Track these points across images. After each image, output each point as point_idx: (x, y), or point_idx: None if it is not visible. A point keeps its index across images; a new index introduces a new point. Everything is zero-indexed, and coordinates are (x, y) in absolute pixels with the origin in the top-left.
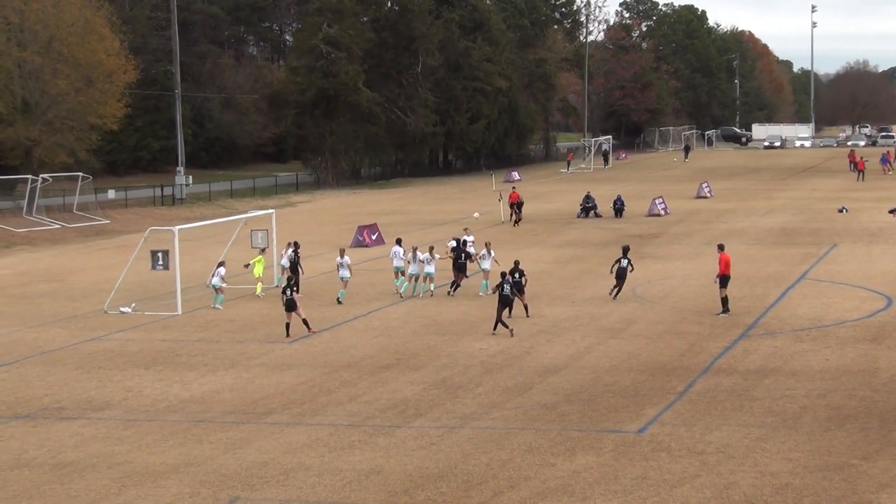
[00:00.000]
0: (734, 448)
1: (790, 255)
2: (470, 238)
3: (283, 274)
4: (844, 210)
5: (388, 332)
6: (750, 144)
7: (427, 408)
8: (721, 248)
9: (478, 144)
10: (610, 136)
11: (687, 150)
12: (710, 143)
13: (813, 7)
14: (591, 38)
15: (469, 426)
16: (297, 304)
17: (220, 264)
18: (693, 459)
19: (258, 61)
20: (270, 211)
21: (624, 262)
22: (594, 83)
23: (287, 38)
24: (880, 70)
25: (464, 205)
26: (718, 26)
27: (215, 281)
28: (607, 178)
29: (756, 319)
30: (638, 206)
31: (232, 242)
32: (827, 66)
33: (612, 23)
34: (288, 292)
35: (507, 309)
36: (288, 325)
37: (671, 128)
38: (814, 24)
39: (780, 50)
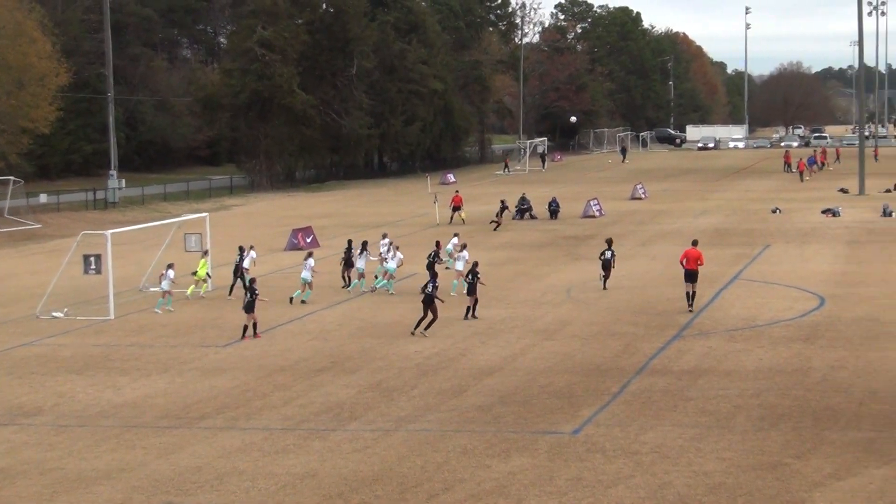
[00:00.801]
0: (668, 448)
1: (724, 255)
2: (454, 240)
3: (246, 274)
4: (777, 211)
5: (323, 335)
6: (684, 146)
7: (362, 411)
8: (694, 243)
9: (413, 147)
10: (545, 138)
11: (624, 151)
12: (644, 144)
13: (747, 9)
14: (526, 40)
15: (404, 429)
16: (255, 307)
17: (170, 266)
18: (627, 460)
19: (192, 64)
20: (204, 214)
21: (608, 254)
22: (529, 85)
23: (221, 40)
24: (813, 71)
25: (399, 207)
26: (653, 28)
27: (164, 284)
28: (543, 180)
29: (690, 320)
30: (573, 207)
31: (166, 246)
32: (761, 68)
33: (547, 25)
34: (248, 295)
35: (429, 309)
36: (246, 328)
37: (606, 129)
38: (748, 26)
39: (714, 51)
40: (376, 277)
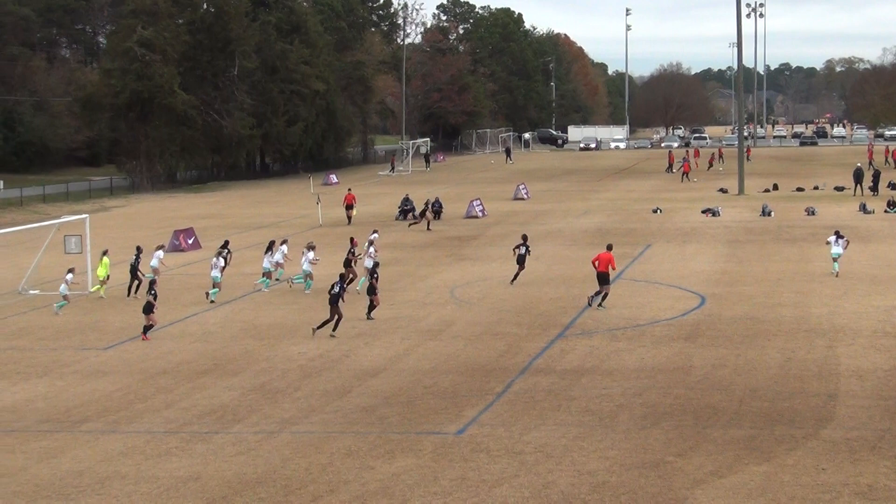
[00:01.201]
0: (552, 447)
1: None
2: (374, 235)
3: (155, 275)
4: (658, 211)
5: (206, 338)
6: (566, 146)
7: (245, 413)
8: (609, 247)
9: (295, 147)
10: (428, 139)
11: (508, 151)
12: (526, 145)
13: (627, 10)
14: (408, 40)
15: (288, 431)
16: (153, 309)
17: (70, 271)
18: (512, 459)
19: (71, 64)
20: (84, 216)
21: (522, 250)
22: (412, 86)
23: (101, 40)
24: (693, 72)
25: (281, 208)
26: (535, 29)
27: (62, 288)
28: (426, 181)
29: (573, 319)
30: (456, 208)
31: (45, 248)
32: (641, 69)
33: (429, 25)
34: (150, 295)
35: (335, 310)
36: (146, 328)
37: (488, 130)
38: (628, 28)
39: (595, 53)
40: (265, 277)
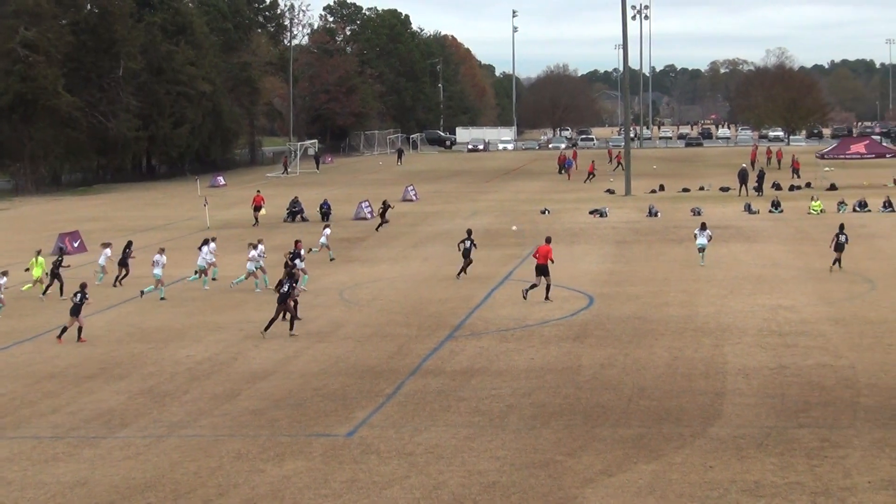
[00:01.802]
0: (443, 448)
1: (495, 256)
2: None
3: (103, 272)
4: (547, 212)
5: (92, 341)
6: (454, 148)
7: (133, 417)
8: (548, 240)
9: (182, 149)
10: (316, 140)
11: (400, 153)
12: (415, 146)
13: (514, 12)
14: (295, 42)
15: (177, 434)
16: (81, 310)
17: (3, 274)
18: (402, 461)
19: None
20: None
21: (467, 244)
22: (299, 87)
23: None
24: (580, 74)
25: (169, 210)
26: (422, 31)
27: None
28: (314, 182)
29: (462, 320)
30: (345, 209)
31: None
32: (528, 70)
33: (316, 27)
34: (77, 297)
35: (283, 309)
36: (65, 329)
37: (376, 131)
38: (515, 29)
39: (482, 54)
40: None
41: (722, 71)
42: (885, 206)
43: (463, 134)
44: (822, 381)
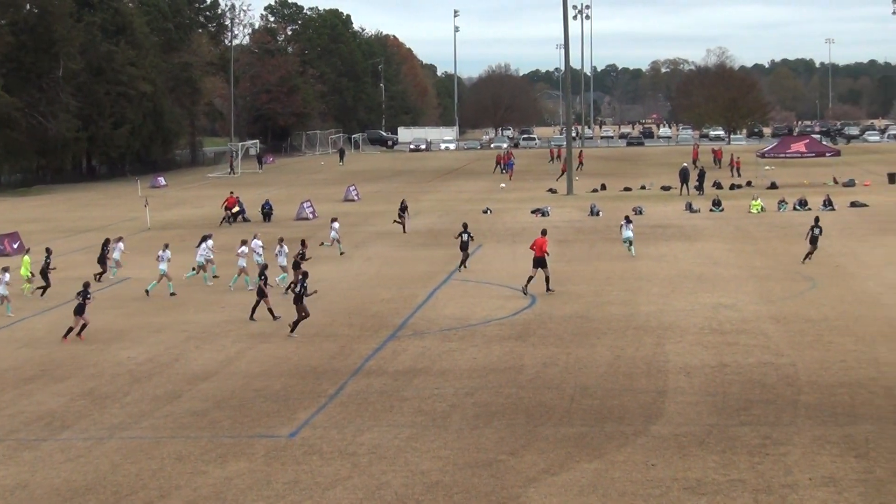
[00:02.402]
0: (385, 448)
1: (437, 256)
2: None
3: (117, 266)
4: (489, 211)
5: (32, 343)
6: (396, 147)
7: (73, 419)
8: (544, 233)
9: (122, 150)
10: (257, 140)
11: (342, 153)
12: (357, 146)
13: (455, 12)
14: (236, 41)
15: (118, 436)
16: (85, 309)
17: (5, 269)
18: (345, 461)
19: None
20: None
21: (465, 237)
22: (240, 87)
23: None
24: (521, 73)
25: (109, 211)
26: (363, 30)
27: (1, 289)
28: (256, 183)
29: (404, 320)
30: (286, 209)
31: None
32: (470, 70)
33: (257, 27)
34: (80, 296)
35: (300, 309)
36: (70, 329)
37: (318, 132)
38: (456, 29)
39: (424, 54)
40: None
41: (663, 70)
42: (825, 205)
43: (405, 134)
44: (763, 379)
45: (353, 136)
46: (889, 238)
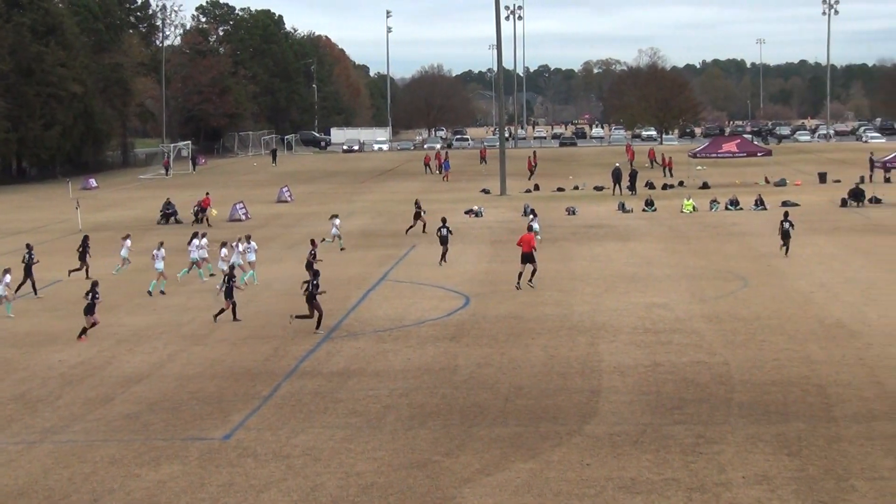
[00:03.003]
0: (320, 450)
1: (371, 257)
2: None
3: (125, 263)
4: (423, 212)
5: None
6: (329, 148)
7: (5, 423)
8: (530, 228)
9: (53, 151)
10: (189, 142)
11: (274, 154)
12: (289, 147)
13: (388, 12)
14: (167, 42)
15: (50, 440)
16: (95, 309)
17: (6, 271)
18: (279, 463)
19: None
20: None
21: (444, 231)
22: (172, 88)
23: None
24: (454, 74)
25: (40, 213)
26: (296, 31)
27: (0, 289)
28: (188, 184)
29: (339, 322)
30: (219, 211)
31: None
32: (403, 71)
33: (188, 27)
34: (90, 296)
35: (313, 307)
36: (86, 329)
37: (251, 133)
38: (389, 30)
39: (357, 55)
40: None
41: (595, 71)
42: (756, 205)
43: (338, 135)
44: (696, 378)
45: (286, 137)
46: (820, 237)
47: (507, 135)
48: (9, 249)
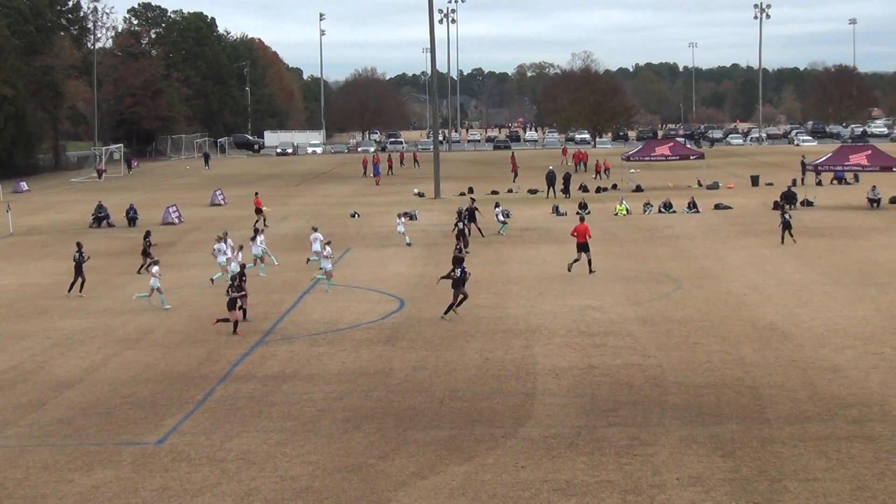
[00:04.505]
0: (254, 454)
1: (304, 260)
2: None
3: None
4: (356, 215)
5: None
6: (263, 151)
7: None
8: (581, 219)
9: None
10: (121, 145)
11: (207, 157)
12: (223, 150)
13: (321, 15)
14: (99, 45)
15: None
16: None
17: (154, 263)
18: (213, 468)
19: None
20: None
21: (461, 225)
22: (104, 91)
23: None
24: (388, 77)
25: None
26: (229, 34)
27: (153, 282)
28: (120, 187)
29: (273, 325)
30: (152, 214)
31: None
32: (337, 74)
33: (120, 30)
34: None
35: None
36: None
37: (183, 136)
38: (322, 33)
39: (290, 58)
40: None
41: (529, 74)
42: (689, 207)
43: (271, 137)
44: (630, 381)
45: (219, 140)
46: (752, 239)
47: (441, 138)
48: None
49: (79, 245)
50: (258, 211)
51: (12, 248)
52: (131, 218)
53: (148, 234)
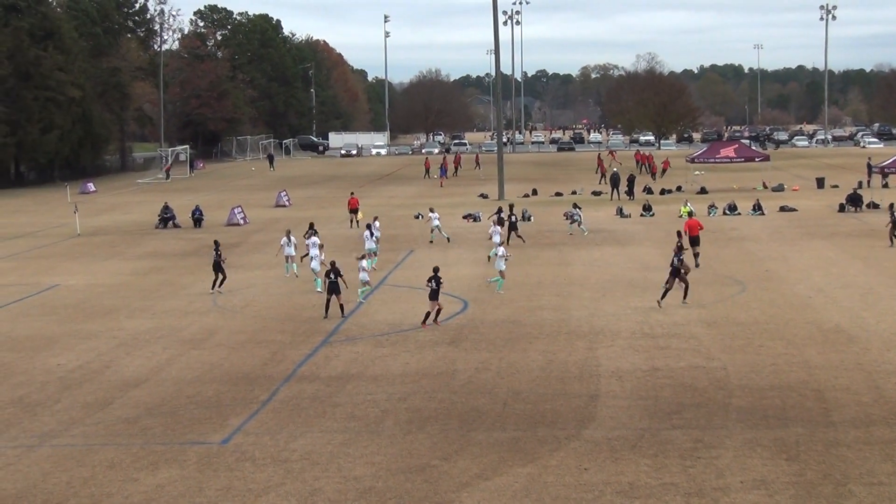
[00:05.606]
0: (318, 454)
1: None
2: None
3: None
4: (420, 216)
5: None
6: (327, 153)
7: (3, 427)
8: (690, 214)
9: (51, 155)
10: (188, 146)
11: (271, 158)
12: (287, 152)
13: (386, 17)
14: (165, 46)
15: (48, 444)
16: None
17: (363, 257)
18: (277, 468)
19: None
20: None
21: (513, 218)
22: (170, 92)
23: None
24: (452, 79)
25: (38, 217)
26: (294, 36)
27: (363, 276)
28: (186, 189)
29: (337, 326)
30: (217, 215)
31: None
32: (401, 76)
33: (186, 31)
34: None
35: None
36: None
37: (249, 137)
38: (387, 34)
39: (354, 59)
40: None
41: (593, 76)
42: (754, 209)
43: (336, 139)
44: (694, 383)
45: (284, 141)
46: (817, 242)
47: (505, 140)
48: (7, 254)
49: (216, 243)
50: (353, 211)
51: (79, 248)
52: (197, 219)
53: (217, 244)
